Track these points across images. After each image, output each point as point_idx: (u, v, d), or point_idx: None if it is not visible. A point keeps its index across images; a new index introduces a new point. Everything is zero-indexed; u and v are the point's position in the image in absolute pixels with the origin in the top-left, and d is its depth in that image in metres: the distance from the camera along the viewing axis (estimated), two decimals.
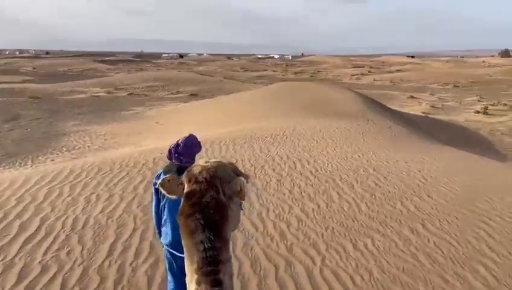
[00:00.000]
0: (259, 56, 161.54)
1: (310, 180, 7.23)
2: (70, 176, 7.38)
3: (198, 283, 1.36)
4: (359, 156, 9.26)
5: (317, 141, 10.55)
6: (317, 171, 7.83)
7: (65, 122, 20.77)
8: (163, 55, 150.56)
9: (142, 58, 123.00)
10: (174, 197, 1.59)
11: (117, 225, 5.28)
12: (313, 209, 5.92)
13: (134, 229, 5.20)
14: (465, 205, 6.42)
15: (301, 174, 7.59)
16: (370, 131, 12.72)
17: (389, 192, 6.83)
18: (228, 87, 38.54)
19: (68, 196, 6.34)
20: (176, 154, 3.24)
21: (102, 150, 14.75)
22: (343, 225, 5.46)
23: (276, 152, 9.24)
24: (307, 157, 8.84)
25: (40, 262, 4.44)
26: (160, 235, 3.36)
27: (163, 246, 3.31)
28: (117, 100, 30.05)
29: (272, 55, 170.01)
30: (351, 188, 6.94)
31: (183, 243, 1.45)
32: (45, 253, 4.62)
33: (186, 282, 1.43)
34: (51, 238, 4.94)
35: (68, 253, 4.62)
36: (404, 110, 26.78)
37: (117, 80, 41.63)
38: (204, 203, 1.43)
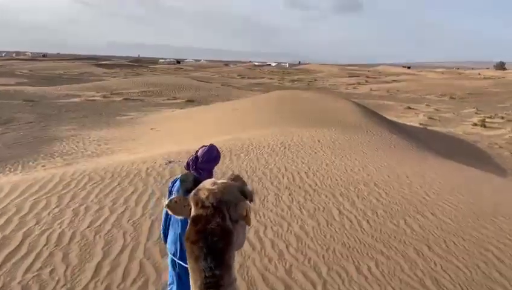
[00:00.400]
0: (257, 63, 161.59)
1: (310, 195, 6.94)
2: (59, 185, 7.06)
3: None
4: (359, 169, 8.99)
5: (316, 152, 10.28)
6: (317, 185, 7.54)
7: (58, 126, 20.42)
8: (160, 60, 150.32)
9: (139, 63, 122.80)
10: (181, 217, 1.62)
11: (105, 242, 4.96)
12: (313, 227, 5.63)
13: (123, 247, 4.88)
14: (471, 225, 6.16)
15: (300, 188, 7.30)
16: (369, 143, 12.46)
17: (391, 209, 6.56)
18: (225, 94, 38.33)
19: (55, 207, 6.01)
20: (194, 167, 3.08)
21: (95, 156, 14.42)
22: (345, 245, 5.18)
23: (274, 163, 8.95)
24: (305, 169, 8.56)
25: (19, 282, 4.11)
26: (165, 242, 3.28)
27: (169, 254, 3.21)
28: (112, 105, 29.72)
29: (269, 63, 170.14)
30: (352, 204, 6.66)
31: (188, 265, 1.50)
32: (26, 272, 4.29)
33: None
34: (33, 255, 4.62)
35: (51, 272, 4.30)
36: (402, 120, 26.63)
37: (113, 84, 41.28)
38: (209, 230, 1.45)
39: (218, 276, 1.43)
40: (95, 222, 5.49)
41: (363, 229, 5.69)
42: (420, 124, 26.34)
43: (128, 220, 5.59)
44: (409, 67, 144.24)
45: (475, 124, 27.25)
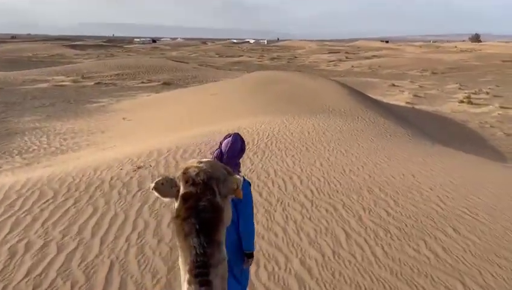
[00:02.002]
0: (235, 41, 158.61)
1: (307, 210, 5.78)
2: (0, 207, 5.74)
3: (189, 282, 1.44)
4: (358, 168, 7.87)
5: (307, 148, 9.09)
6: (313, 194, 6.39)
7: (21, 117, 18.72)
8: (136, 39, 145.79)
9: (113, 43, 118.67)
10: (167, 199, 1.60)
11: None
12: (317, 261, 4.48)
13: None
14: (503, 243, 5.11)
15: (294, 199, 6.13)
16: (363, 132, 11.34)
17: (406, 225, 5.46)
18: (203, 74, 36.71)
19: None
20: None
21: (59, 153, 12.97)
22: (360, 289, 4.05)
23: (261, 165, 7.74)
24: (298, 172, 7.38)
25: None
26: None
27: None
28: (82, 90, 27.88)
29: (247, 40, 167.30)
30: (358, 220, 5.53)
31: (177, 243, 1.49)
32: None
33: (181, 280, 1.50)
34: None
35: None
36: (387, 99, 25.74)
37: (84, 67, 39.11)
38: (201, 206, 1.47)
39: (209, 254, 1.44)
40: (36, 268, 4.22)
41: (378, 259, 4.57)
42: (407, 102, 25.46)
43: (80, 263, 4.33)
44: (387, 42, 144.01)
45: (461, 101, 26.52)
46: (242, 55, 76.04)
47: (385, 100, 24.32)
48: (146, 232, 4.99)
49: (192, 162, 1.61)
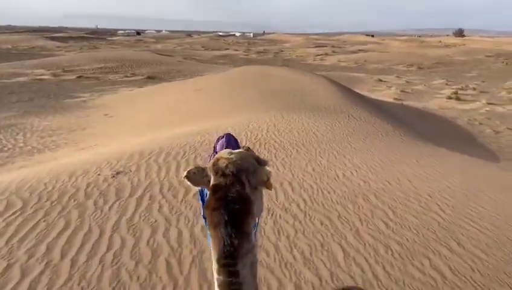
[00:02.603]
0: (221, 34, 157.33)
1: (300, 223, 5.33)
2: None
3: (218, 272, 1.49)
4: (352, 173, 7.45)
5: (297, 150, 8.64)
6: (306, 203, 5.94)
7: None
8: (119, 32, 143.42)
9: (96, 35, 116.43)
10: (199, 188, 1.74)
11: None
12: (313, 286, 4.04)
13: None
14: (511, 259, 4.75)
15: (286, 210, 5.68)
16: (354, 132, 10.93)
17: (407, 240, 5.05)
18: (188, 68, 36.00)
19: None
20: None
21: (35, 152, 12.31)
22: None
23: None
24: (289, 178, 6.93)
25: None
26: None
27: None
28: (62, 84, 26.99)
29: (233, 33, 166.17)
30: (356, 234, 5.10)
31: (209, 232, 1.55)
32: None
33: (213, 268, 1.53)
34: None
35: None
36: (375, 95, 25.51)
37: (65, 60, 38.03)
38: (229, 198, 1.51)
39: (237, 245, 1.46)
40: None
41: (381, 282, 4.15)
42: (395, 98, 25.24)
43: None
44: (372, 36, 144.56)
45: (449, 97, 26.42)
46: (228, 49, 75.30)
47: (373, 96, 24.07)
48: (123, 251, 4.48)
49: (223, 153, 1.64)
